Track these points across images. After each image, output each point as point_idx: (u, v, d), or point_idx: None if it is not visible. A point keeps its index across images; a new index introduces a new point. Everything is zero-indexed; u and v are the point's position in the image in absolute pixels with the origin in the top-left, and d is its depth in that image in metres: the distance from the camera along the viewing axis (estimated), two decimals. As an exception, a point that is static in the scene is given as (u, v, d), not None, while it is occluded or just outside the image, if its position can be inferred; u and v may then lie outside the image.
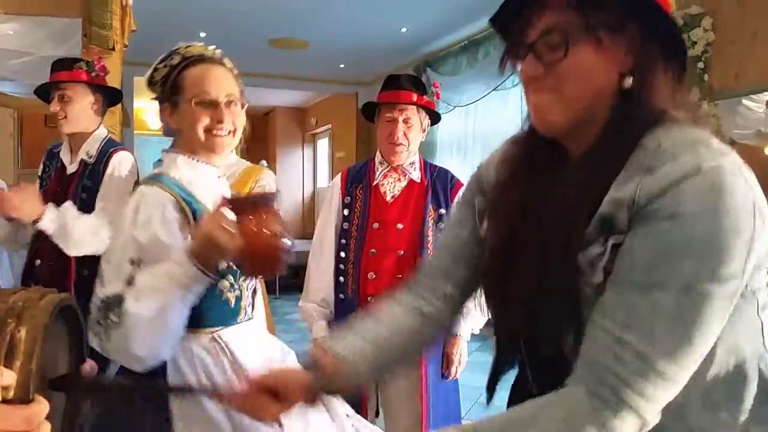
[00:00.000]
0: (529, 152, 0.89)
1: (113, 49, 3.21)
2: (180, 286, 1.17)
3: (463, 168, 6.42)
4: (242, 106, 1.49)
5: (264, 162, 10.63)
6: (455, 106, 6.47)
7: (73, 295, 2.19)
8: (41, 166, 2.42)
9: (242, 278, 1.41)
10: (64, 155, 2.34)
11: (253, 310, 1.49)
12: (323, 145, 10.70)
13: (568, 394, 0.75)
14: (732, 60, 3.81)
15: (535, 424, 0.74)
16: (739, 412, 0.79)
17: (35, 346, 0.61)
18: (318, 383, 0.93)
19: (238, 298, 1.41)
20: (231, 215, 1.19)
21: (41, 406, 0.60)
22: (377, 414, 2.14)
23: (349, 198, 2.31)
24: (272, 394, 0.90)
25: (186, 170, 1.40)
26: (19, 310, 0.61)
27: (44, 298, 0.65)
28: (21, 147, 7.08)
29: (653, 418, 0.73)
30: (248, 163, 2.45)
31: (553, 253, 0.79)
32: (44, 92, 2.30)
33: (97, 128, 2.34)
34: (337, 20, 5.93)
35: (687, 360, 0.72)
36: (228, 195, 1.37)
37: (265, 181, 2.44)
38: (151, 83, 1.45)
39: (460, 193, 1.10)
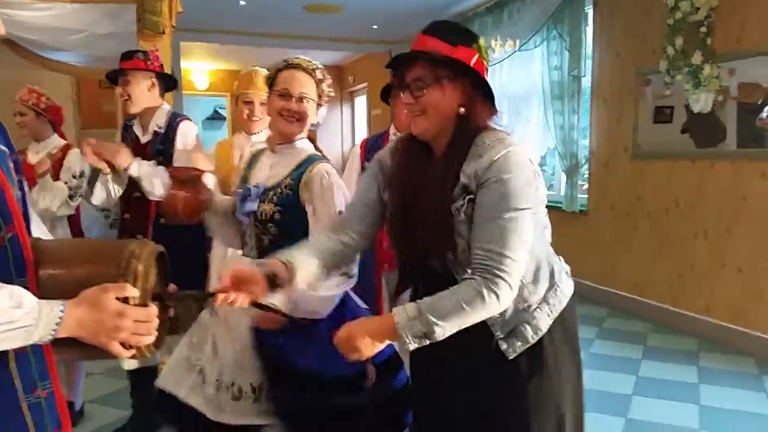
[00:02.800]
0: (410, 148, 1.50)
1: (164, 32, 3.66)
2: None
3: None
4: (318, 105, 1.96)
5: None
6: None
7: (152, 238, 2.71)
8: (119, 137, 2.93)
9: None
10: (137, 129, 2.84)
11: (253, 252, 2.01)
12: (361, 102, 11.04)
13: (469, 280, 1.32)
14: (734, 24, 4.02)
15: (454, 295, 1.31)
16: (538, 286, 1.44)
17: (148, 275, 1.10)
18: (271, 278, 1.40)
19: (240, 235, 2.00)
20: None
21: (153, 309, 1.10)
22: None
23: (367, 163, 2.76)
24: (243, 288, 1.36)
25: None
26: (137, 254, 1.10)
27: (149, 247, 1.13)
28: (80, 109, 7.66)
29: (515, 287, 1.33)
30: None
31: (435, 206, 1.39)
32: (113, 78, 2.78)
33: (161, 105, 2.81)
34: (368, -14, 6.23)
35: (523, 252, 1.33)
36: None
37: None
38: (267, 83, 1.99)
39: (367, 168, 1.66)
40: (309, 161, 1.90)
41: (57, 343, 1.03)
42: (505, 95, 6.53)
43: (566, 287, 1.51)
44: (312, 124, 2.00)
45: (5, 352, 1.01)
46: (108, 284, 1.04)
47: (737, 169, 4.04)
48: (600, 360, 3.88)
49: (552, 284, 1.47)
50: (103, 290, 1.03)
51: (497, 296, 1.30)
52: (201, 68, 11.27)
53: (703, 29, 4.14)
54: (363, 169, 2.77)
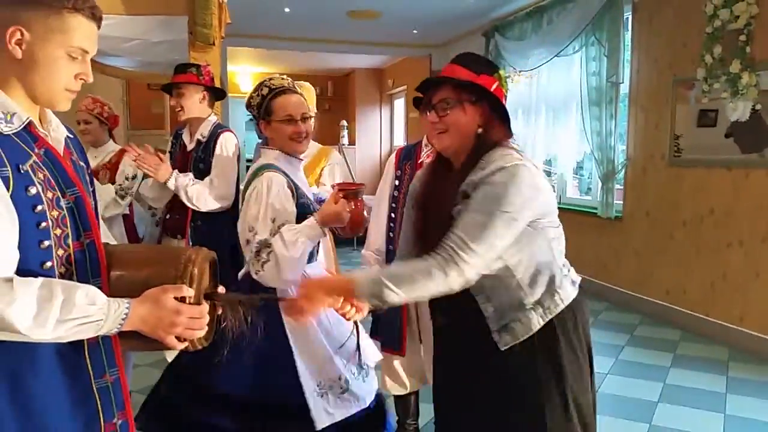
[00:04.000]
0: (435, 164, 1.73)
1: (214, 44, 3.86)
2: (311, 238, 1.96)
3: (527, 129, 6.78)
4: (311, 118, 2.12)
5: (344, 122, 11.26)
6: (521, 71, 6.77)
7: (189, 238, 2.93)
8: (169, 144, 3.17)
9: None
10: (185, 137, 3.07)
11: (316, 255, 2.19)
12: (400, 105, 11.16)
13: (429, 256, 1.47)
14: (774, 33, 4.01)
15: (412, 265, 1.48)
16: (535, 289, 1.57)
17: (202, 277, 1.26)
18: None
19: (315, 248, 2.10)
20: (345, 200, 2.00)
21: (205, 306, 1.26)
22: (420, 340, 2.74)
23: (399, 172, 2.89)
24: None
25: (283, 162, 2.06)
26: (193, 259, 1.25)
27: (203, 253, 1.29)
28: (129, 110, 7.99)
29: (470, 275, 1.44)
30: (320, 145, 3.06)
31: (444, 213, 1.54)
32: (168, 89, 2.99)
33: (209, 116, 3.01)
34: (408, -7, 6.35)
35: (485, 248, 1.44)
36: (339, 185, 2.13)
37: (333, 160, 3.06)
38: (248, 107, 2.08)
39: (407, 204, 1.85)
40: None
41: (121, 335, 1.20)
42: (543, 100, 6.59)
43: (567, 294, 1.62)
44: None
45: (80, 342, 1.19)
46: (167, 285, 1.20)
47: (774, 179, 4.04)
48: (628, 366, 3.93)
49: (550, 290, 1.59)
50: (163, 291, 1.19)
51: (446, 277, 1.43)
52: (245, 71, 11.56)
53: (742, 38, 4.14)
54: (396, 177, 2.89)
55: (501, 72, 1.61)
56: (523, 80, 6.83)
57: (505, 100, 1.61)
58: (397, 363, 2.72)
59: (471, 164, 1.55)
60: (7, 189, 1.09)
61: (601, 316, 5.12)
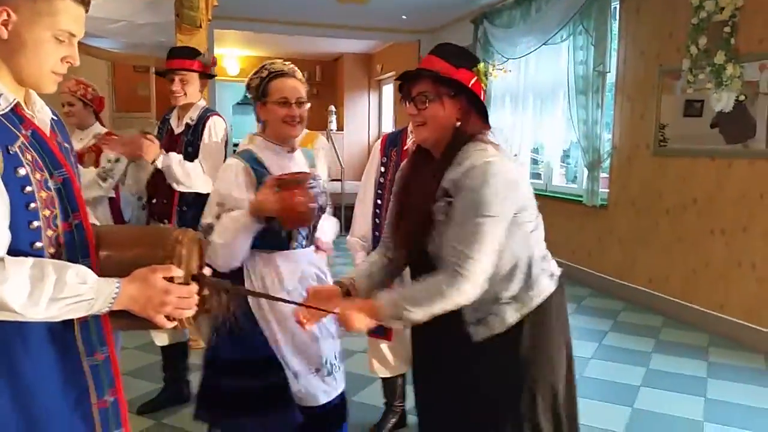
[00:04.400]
0: (416, 154, 1.74)
1: (200, 26, 3.84)
2: (243, 227, 1.94)
3: (515, 117, 6.81)
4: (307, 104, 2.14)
5: (332, 107, 11.21)
6: (509, 59, 6.79)
7: (175, 223, 2.93)
8: (156, 130, 3.15)
9: None
10: (173, 121, 3.06)
11: (308, 241, 2.15)
12: (388, 90, 11.14)
13: (437, 274, 1.53)
14: (758, 25, 4.05)
15: (423, 286, 1.54)
16: (511, 283, 1.60)
17: (189, 258, 1.27)
18: (345, 292, 1.69)
19: (288, 234, 2.09)
20: (275, 190, 1.92)
21: (194, 286, 1.27)
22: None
23: (385, 158, 2.90)
24: (322, 300, 1.66)
25: (264, 149, 2.05)
26: (180, 239, 1.26)
27: (191, 234, 1.30)
28: (115, 93, 7.89)
29: (477, 284, 1.51)
30: (306, 130, 3.06)
31: (419, 204, 1.60)
32: (163, 73, 2.97)
33: (199, 100, 3.01)
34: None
35: (486, 254, 1.50)
36: (279, 174, 2.03)
37: (319, 145, 3.07)
38: (248, 88, 2.08)
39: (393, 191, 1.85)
40: (308, 152, 2.18)
41: (111, 314, 1.21)
42: (531, 88, 6.62)
43: (543, 288, 1.64)
44: None
45: (71, 321, 1.19)
46: (156, 265, 1.21)
47: (755, 167, 4.09)
48: (611, 352, 4.00)
49: (526, 284, 1.61)
50: (152, 271, 1.20)
51: (458, 291, 1.50)
52: (232, 54, 11.48)
53: (727, 29, 4.18)
54: (382, 164, 2.90)
55: (480, 66, 1.61)
56: (511, 69, 6.85)
57: (484, 94, 1.63)
58: (383, 346, 2.76)
59: (448, 159, 1.58)
60: None
61: (584, 302, 5.19)
